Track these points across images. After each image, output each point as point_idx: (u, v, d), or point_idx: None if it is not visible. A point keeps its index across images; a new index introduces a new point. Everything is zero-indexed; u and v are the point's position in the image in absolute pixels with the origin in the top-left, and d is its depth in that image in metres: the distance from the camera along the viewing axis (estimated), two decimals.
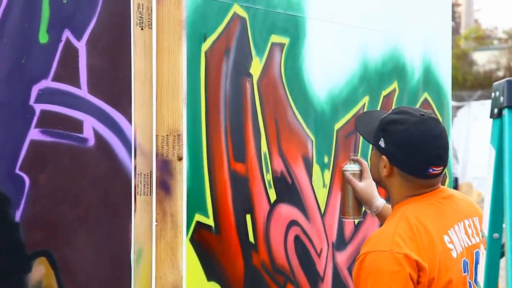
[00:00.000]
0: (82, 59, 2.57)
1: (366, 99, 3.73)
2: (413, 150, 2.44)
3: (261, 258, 3.01)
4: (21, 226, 2.50)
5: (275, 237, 3.10)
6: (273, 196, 3.11)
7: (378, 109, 3.81)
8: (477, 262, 2.50)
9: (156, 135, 2.61)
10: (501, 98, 1.76)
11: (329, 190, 3.46)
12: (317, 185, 3.39)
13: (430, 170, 2.44)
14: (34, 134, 2.52)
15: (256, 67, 3.05)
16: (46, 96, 2.54)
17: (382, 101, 3.85)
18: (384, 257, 2.34)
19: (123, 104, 2.59)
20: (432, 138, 2.45)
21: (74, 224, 2.55)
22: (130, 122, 2.59)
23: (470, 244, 2.49)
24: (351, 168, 2.86)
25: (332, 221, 3.48)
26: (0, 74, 2.53)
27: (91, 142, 2.57)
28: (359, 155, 3.66)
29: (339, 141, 3.53)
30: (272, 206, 3.11)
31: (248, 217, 2.95)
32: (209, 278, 2.74)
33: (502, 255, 2.20)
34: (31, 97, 2.53)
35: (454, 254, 2.42)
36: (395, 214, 2.48)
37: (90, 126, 2.57)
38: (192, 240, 2.66)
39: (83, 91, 2.57)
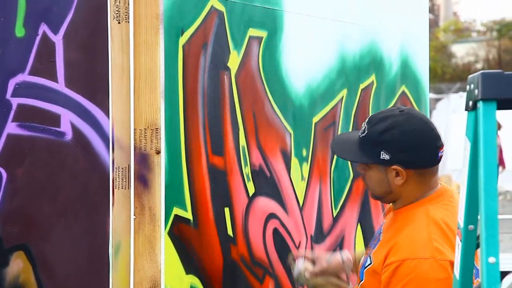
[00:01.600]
0: (59, 53, 2.57)
1: (344, 93, 3.74)
2: (419, 144, 2.45)
3: (239, 251, 3.02)
4: None
5: (254, 230, 3.11)
6: (251, 189, 3.12)
7: (355, 103, 3.82)
8: None
9: (134, 129, 2.61)
10: (476, 91, 1.77)
11: (307, 183, 3.48)
12: (296, 178, 3.40)
13: (439, 153, 2.48)
14: (11, 128, 2.52)
15: (234, 61, 3.05)
16: (23, 90, 2.53)
17: (360, 94, 3.87)
18: (427, 264, 2.29)
19: (101, 98, 2.59)
20: (425, 124, 2.49)
21: (52, 218, 2.55)
22: (108, 116, 2.59)
23: None
24: (298, 269, 2.78)
25: (311, 214, 3.49)
26: None
27: (69, 136, 2.57)
28: None
29: (318, 134, 3.54)
30: (251, 199, 3.12)
31: (226, 210, 2.96)
32: (187, 271, 2.74)
33: (477, 246, 2.21)
34: (8, 91, 2.52)
35: None
36: (417, 217, 2.43)
37: (67, 120, 2.56)
38: (171, 234, 2.67)
39: (60, 85, 2.56)
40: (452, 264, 2.26)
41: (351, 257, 2.83)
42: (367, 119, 2.57)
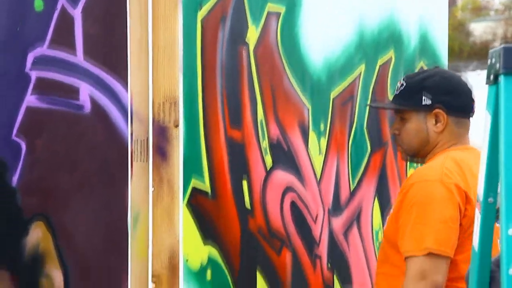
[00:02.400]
0: (78, 26, 2.58)
1: (362, 68, 3.73)
2: (458, 90, 2.57)
3: (257, 223, 3.03)
4: (18, 191, 2.52)
5: (271, 203, 3.12)
6: (269, 163, 3.13)
7: (374, 79, 3.82)
8: None
9: (153, 102, 2.62)
10: (497, 65, 1.77)
11: (325, 157, 3.48)
12: (313, 152, 3.41)
13: (474, 104, 2.58)
14: (30, 100, 2.53)
15: (252, 35, 3.05)
16: (42, 63, 2.54)
17: (378, 70, 3.86)
18: (434, 185, 2.38)
19: (119, 70, 2.60)
20: (461, 79, 2.62)
21: (71, 189, 2.57)
22: (127, 89, 2.60)
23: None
24: None
25: (328, 187, 3.50)
26: None
27: (88, 108, 2.58)
28: (354, 123, 3.68)
29: (335, 109, 3.54)
30: (268, 172, 3.13)
31: (244, 183, 2.97)
32: (205, 243, 2.76)
33: (497, 219, 2.22)
34: (27, 64, 2.53)
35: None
36: (435, 157, 2.53)
37: (86, 92, 2.58)
38: (189, 205, 2.68)
39: (79, 58, 2.57)
40: (457, 186, 2.37)
41: None
42: (402, 79, 2.69)
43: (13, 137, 2.51)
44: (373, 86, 3.82)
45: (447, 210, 2.36)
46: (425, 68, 4.21)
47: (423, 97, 2.58)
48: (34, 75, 2.54)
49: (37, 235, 2.54)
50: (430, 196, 2.38)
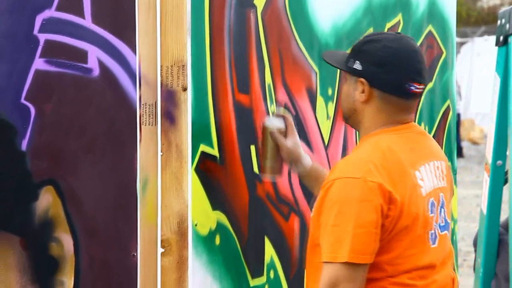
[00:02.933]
0: None
1: (370, 31, 3.71)
2: (393, 64, 2.34)
3: (265, 188, 3.03)
4: (27, 155, 2.52)
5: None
6: None
7: None
8: (442, 206, 2.42)
9: (161, 66, 2.61)
10: (507, 26, 1.76)
11: (332, 122, 3.47)
12: (321, 117, 3.40)
13: (412, 87, 2.35)
14: (39, 64, 2.52)
15: None
16: (50, 26, 2.53)
17: None
18: (356, 184, 2.23)
19: (127, 34, 2.59)
20: (412, 52, 2.37)
21: (80, 154, 2.57)
22: (135, 52, 2.58)
23: (437, 186, 2.41)
24: (275, 124, 2.74)
25: (336, 152, 3.50)
26: (3, 5, 2.52)
27: (96, 72, 2.57)
28: None
29: (343, 74, 3.52)
30: None
31: (252, 148, 2.97)
32: (214, 208, 2.77)
33: (505, 182, 2.21)
34: (35, 27, 2.52)
35: (423, 192, 2.33)
36: (365, 142, 2.38)
37: (94, 56, 2.57)
38: (197, 170, 2.68)
39: (87, 21, 2.56)
40: (381, 187, 2.23)
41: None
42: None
43: (22, 100, 2.51)
44: None
45: (367, 213, 2.22)
46: (434, 33, 4.18)
47: (356, 61, 2.39)
48: (42, 38, 2.52)
49: (46, 200, 2.54)
50: (350, 197, 2.23)
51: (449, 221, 2.47)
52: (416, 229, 2.30)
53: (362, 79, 2.38)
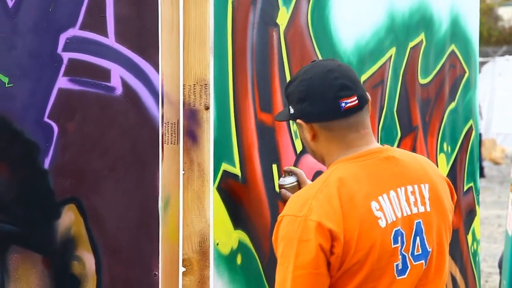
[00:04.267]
0: (109, 7, 2.57)
1: (392, 51, 3.70)
2: (315, 94, 2.28)
3: None
4: (50, 174, 2.53)
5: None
6: (299, 147, 3.11)
7: (404, 62, 3.78)
8: (417, 234, 2.29)
9: (183, 84, 2.61)
10: None
11: None
12: None
13: (342, 104, 2.26)
14: (62, 82, 2.54)
15: (283, 17, 3.03)
16: (74, 44, 2.55)
17: (409, 53, 3.83)
18: (297, 223, 2.19)
19: (150, 53, 2.60)
20: (327, 72, 2.29)
21: (103, 172, 2.57)
22: (158, 71, 2.59)
23: (409, 213, 2.28)
24: (288, 181, 2.71)
25: None
26: (28, 23, 2.54)
27: (119, 91, 2.58)
28: (385, 107, 3.66)
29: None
30: (298, 156, 3.12)
31: (274, 167, 2.96)
32: (236, 227, 2.76)
33: None
34: (59, 46, 2.54)
35: (383, 223, 2.22)
36: (322, 175, 2.32)
37: (117, 75, 2.58)
38: (219, 189, 2.68)
39: (110, 40, 2.57)
40: (320, 226, 2.17)
41: None
42: None
43: (45, 119, 2.52)
44: (404, 69, 3.78)
45: (306, 254, 2.16)
46: (457, 52, 4.16)
47: (289, 107, 2.35)
48: (66, 56, 2.54)
49: (69, 218, 2.55)
50: (292, 236, 2.19)
51: (429, 249, 2.31)
52: (372, 263, 2.20)
53: (299, 121, 2.34)
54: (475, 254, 4.30)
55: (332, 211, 2.20)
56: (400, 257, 2.25)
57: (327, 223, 2.18)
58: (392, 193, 2.28)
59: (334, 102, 2.27)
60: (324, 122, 2.30)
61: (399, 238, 2.25)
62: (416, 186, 2.32)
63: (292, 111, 2.34)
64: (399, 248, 2.25)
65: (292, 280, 2.18)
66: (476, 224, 4.33)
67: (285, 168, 2.78)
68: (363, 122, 2.32)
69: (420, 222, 2.30)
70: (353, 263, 2.20)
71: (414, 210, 2.30)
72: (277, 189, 2.96)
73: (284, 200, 2.68)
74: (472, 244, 4.29)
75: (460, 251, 4.10)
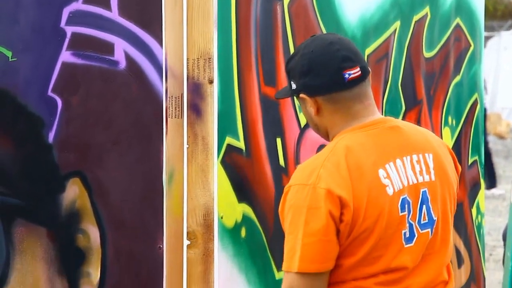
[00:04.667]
0: None
1: (397, 24, 3.69)
2: (318, 67, 2.28)
3: None
4: (54, 148, 2.53)
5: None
6: (303, 121, 3.11)
7: (409, 36, 3.77)
8: (423, 202, 2.30)
9: (187, 58, 2.61)
10: None
11: None
12: None
13: (346, 75, 2.26)
14: (66, 56, 2.54)
15: None
16: (77, 18, 2.54)
17: (414, 26, 3.81)
18: (305, 191, 2.19)
19: (154, 27, 2.59)
20: (328, 45, 2.29)
21: (107, 146, 2.58)
22: (161, 45, 2.59)
23: (415, 181, 2.29)
24: None
25: None
26: None
27: (122, 65, 2.58)
28: (389, 80, 3.65)
29: (370, 66, 3.48)
30: (302, 130, 3.11)
31: (278, 140, 2.96)
32: (240, 200, 2.76)
33: None
34: (62, 20, 2.54)
35: (390, 191, 2.23)
36: (328, 145, 2.33)
37: (121, 48, 2.57)
38: (223, 163, 2.68)
39: (113, 14, 2.57)
40: (329, 193, 2.17)
41: None
42: None
43: (49, 93, 2.52)
44: (408, 43, 3.77)
45: (316, 221, 2.17)
46: (462, 25, 4.15)
47: (291, 82, 2.34)
48: (69, 30, 2.54)
49: (73, 192, 2.56)
50: (301, 204, 2.19)
51: (435, 218, 2.32)
52: (380, 230, 2.21)
53: (302, 95, 2.33)
54: (479, 227, 4.31)
55: (340, 179, 2.21)
56: (407, 225, 2.26)
57: (337, 190, 2.19)
58: (398, 161, 2.29)
59: (337, 73, 2.28)
60: (328, 94, 2.30)
61: (406, 206, 2.27)
62: (420, 155, 2.33)
63: (294, 86, 2.34)
64: (406, 216, 2.27)
65: (302, 247, 2.18)
66: (480, 197, 4.33)
67: None
68: (366, 93, 2.33)
69: (425, 191, 2.32)
70: (361, 230, 2.21)
71: (420, 179, 2.31)
72: (281, 163, 2.97)
73: None
74: (477, 217, 4.30)
75: (464, 224, 4.11)
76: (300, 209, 2.20)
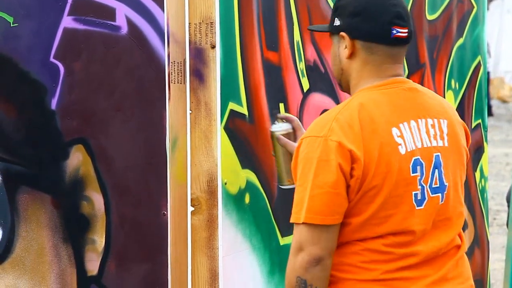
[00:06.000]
0: None
1: None
2: (369, 11, 2.28)
3: None
4: (57, 114, 2.53)
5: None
6: (306, 85, 3.10)
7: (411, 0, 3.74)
8: (435, 167, 2.29)
9: (189, 23, 2.59)
10: None
11: None
12: None
13: (394, 31, 2.27)
14: (67, 22, 2.52)
15: None
16: None
17: None
18: (317, 143, 2.20)
19: None
20: None
21: (109, 112, 2.57)
22: (163, 9, 2.56)
23: (429, 145, 2.29)
24: (282, 128, 2.63)
25: None
26: None
27: (124, 30, 2.56)
28: None
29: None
30: (305, 95, 3.10)
31: (281, 106, 2.95)
32: (243, 166, 2.76)
33: None
34: None
35: (402, 150, 2.23)
36: (343, 101, 2.33)
37: (122, 14, 2.55)
38: (227, 128, 2.67)
39: None
40: (340, 145, 2.17)
41: None
42: None
43: (51, 59, 2.51)
44: (411, 5, 3.74)
45: (325, 173, 2.16)
46: None
47: (335, 18, 2.34)
48: None
49: (77, 159, 2.55)
50: (311, 156, 2.18)
51: (446, 183, 2.31)
52: (390, 188, 2.21)
53: (343, 33, 2.32)
54: (483, 191, 4.31)
55: (352, 133, 2.20)
56: (419, 187, 2.26)
57: (348, 144, 2.19)
58: (412, 122, 2.29)
59: (387, 26, 2.29)
60: (369, 42, 2.30)
61: (418, 168, 2.26)
62: (436, 120, 2.34)
63: (338, 23, 2.33)
64: (418, 177, 2.26)
65: (310, 198, 2.18)
66: (484, 161, 4.33)
67: (279, 114, 2.73)
68: (401, 57, 2.35)
69: (439, 155, 2.31)
70: (371, 186, 2.20)
71: (434, 143, 2.31)
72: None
73: (280, 144, 2.63)
74: (480, 181, 4.30)
75: (468, 188, 4.11)
76: (310, 161, 2.20)
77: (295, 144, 2.56)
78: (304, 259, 2.19)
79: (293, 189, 2.29)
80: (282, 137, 2.65)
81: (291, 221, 2.25)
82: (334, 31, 2.36)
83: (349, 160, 2.19)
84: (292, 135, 2.67)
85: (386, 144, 2.22)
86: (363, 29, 2.30)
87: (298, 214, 2.21)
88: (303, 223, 2.19)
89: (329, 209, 2.19)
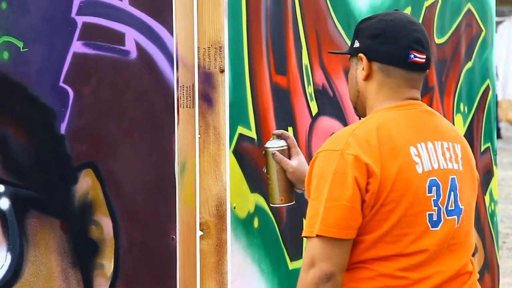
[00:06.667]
0: None
1: (408, 10, 3.66)
2: (389, 34, 2.29)
3: None
4: (66, 139, 2.53)
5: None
6: (314, 109, 3.10)
7: (420, 20, 3.75)
8: (451, 189, 2.28)
9: (198, 47, 2.59)
10: None
11: None
12: None
13: (412, 55, 2.27)
14: (77, 46, 2.53)
15: None
16: (88, 8, 2.54)
17: (425, 12, 3.79)
18: (333, 157, 2.19)
19: (164, 16, 2.58)
20: (408, 23, 2.32)
21: (119, 136, 2.57)
22: (172, 34, 2.57)
23: (445, 167, 2.28)
24: (277, 144, 2.62)
25: None
26: None
27: (133, 54, 2.57)
28: None
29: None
30: (314, 118, 3.10)
31: (290, 129, 2.95)
32: (252, 190, 2.75)
33: None
34: (73, 10, 2.53)
35: (419, 169, 2.22)
36: (360, 119, 2.33)
37: (132, 38, 2.56)
38: (235, 152, 2.67)
39: (124, 3, 2.56)
40: (357, 159, 2.16)
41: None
42: None
43: (61, 83, 2.52)
44: None
45: (341, 187, 2.15)
46: (473, 11, 4.12)
47: (355, 40, 2.35)
48: (80, 20, 2.53)
49: (86, 183, 2.55)
50: (327, 169, 2.18)
51: (461, 207, 2.30)
52: (406, 206, 2.19)
53: (361, 54, 2.33)
54: (492, 214, 4.29)
55: (369, 148, 2.20)
56: (435, 208, 2.25)
57: (364, 158, 2.18)
58: (429, 144, 2.29)
59: (405, 49, 2.29)
60: (386, 64, 2.31)
61: (434, 189, 2.25)
62: (450, 144, 2.34)
63: (357, 44, 2.34)
64: (435, 199, 2.25)
65: (324, 211, 2.16)
66: (493, 184, 4.31)
67: (275, 131, 2.72)
68: (418, 83, 2.35)
69: (454, 178, 2.31)
70: (387, 202, 2.19)
71: (450, 166, 2.31)
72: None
73: (274, 161, 2.61)
74: (490, 205, 4.28)
75: (477, 211, 4.09)
76: (326, 174, 2.19)
77: (290, 161, 2.60)
78: (315, 274, 2.17)
79: (291, 207, 2.27)
80: (278, 153, 2.63)
81: (303, 235, 2.22)
82: (352, 52, 2.37)
83: (365, 174, 2.18)
84: (287, 152, 2.65)
85: (404, 162, 2.22)
86: (381, 51, 2.31)
87: (311, 227, 2.19)
88: (316, 235, 2.17)
89: (344, 223, 2.17)
